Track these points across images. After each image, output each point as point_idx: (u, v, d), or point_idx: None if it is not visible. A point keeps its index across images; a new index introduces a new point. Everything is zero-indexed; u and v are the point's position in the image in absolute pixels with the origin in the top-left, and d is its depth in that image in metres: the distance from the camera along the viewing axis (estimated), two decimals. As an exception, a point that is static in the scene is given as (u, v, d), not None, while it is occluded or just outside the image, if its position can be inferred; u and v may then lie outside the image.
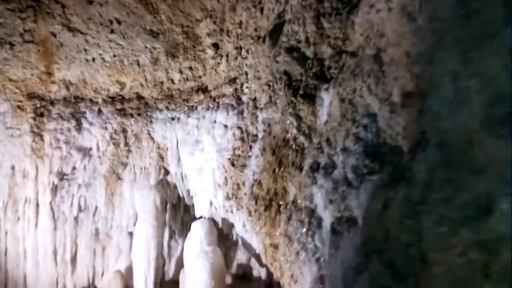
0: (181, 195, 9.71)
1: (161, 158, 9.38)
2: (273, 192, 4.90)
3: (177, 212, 10.27)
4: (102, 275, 9.87)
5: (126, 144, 9.23)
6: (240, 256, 11.26)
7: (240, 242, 10.53)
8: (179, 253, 10.73)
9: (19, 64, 8.37)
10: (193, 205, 9.94)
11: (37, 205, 8.84)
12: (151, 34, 8.62)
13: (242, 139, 5.87)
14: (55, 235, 9.09)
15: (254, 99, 5.70)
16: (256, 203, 5.09)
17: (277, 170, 4.86)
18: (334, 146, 3.99)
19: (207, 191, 7.52)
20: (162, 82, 9.02)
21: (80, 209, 9.36)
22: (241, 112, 6.13)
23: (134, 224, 9.78)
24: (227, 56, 7.90)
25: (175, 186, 9.68)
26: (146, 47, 8.70)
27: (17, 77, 8.41)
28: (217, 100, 7.52)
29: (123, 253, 9.94)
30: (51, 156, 8.67)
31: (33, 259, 8.90)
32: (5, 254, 8.78)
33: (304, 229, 4.10)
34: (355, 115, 3.66)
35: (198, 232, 8.28)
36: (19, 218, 8.78)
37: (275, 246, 4.74)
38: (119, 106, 9.07)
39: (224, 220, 8.70)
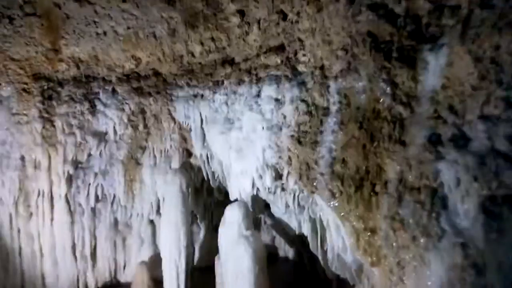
0: (205, 178, 9.05)
1: (184, 139, 8.67)
2: (364, 170, 4.37)
3: (199, 196, 9.64)
4: (124, 267, 9.20)
5: (145, 126, 8.46)
6: (264, 237, 10.81)
7: (267, 223, 10.07)
8: (201, 238, 10.18)
9: (21, 41, 7.39)
10: (218, 188, 9.35)
11: (51, 198, 7.98)
12: (167, 2, 7.74)
13: (309, 113, 5.28)
14: (73, 229, 8.32)
15: (322, 67, 5.08)
16: (342, 184, 4.55)
17: (367, 145, 4.32)
18: (462, 114, 3.47)
19: (248, 173, 6.89)
20: (181, 56, 8.21)
21: (97, 199, 8.58)
22: (302, 83, 5.50)
23: (157, 212, 9.11)
24: (258, 23, 7.18)
25: (199, 169, 9.01)
26: (162, 17, 7.84)
27: (20, 55, 7.43)
28: (254, 72, 6.83)
29: (145, 243, 9.30)
30: (64, 144, 7.81)
31: (51, 257, 8.14)
32: (20, 254, 7.96)
33: (425, 211, 3.59)
34: (501, 76, 3.13)
35: (235, 216, 7.67)
36: (31, 214, 7.94)
37: (372, 230, 4.25)
38: (135, 84, 8.23)
39: (256, 202, 8.17)
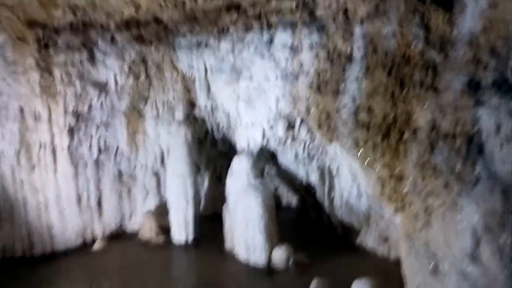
0: (209, 130, 8.94)
1: (188, 90, 8.44)
2: (392, 118, 4.30)
3: (203, 147, 9.57)
4: (130, 217, 9.24)
5: (147, 76, 8.16)
6: (267, 186, 10.87)
7: (270, 173, 10.13)
8: (206, 188, 10.24)
9: (13, -16, 6.84)
10: (222, 139, 9.27)
11: (54, 150, 7.79)
12: None
13: (330, 60, 5.09)
14: (77, 181, 8.21)
15: (345, 11, 4.85)
16: (367, 132, 4.49)
17: (396, 93, 4.22)
18: (505, 59, 3.37)
19: (258, 123, 6.79)
20: (183, 2, 7.75)
21: (100, 151, 8.44)
22: (322, 29, 5.25)
23: (161, 163, 9.04)
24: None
25: (203, 121, 8.87)
26: (162, -42, 7.32)
27: (12, 1, 6.90)
28: (265, 18, 6.52)
29: (150, 194, 9.30)
30: (64, 94, 7.52)
31: (56, 208, 8.08)
32: (24, 205, 7.86)
33: (460, 158, 3.59)
34: None
35: (243, 166, 7.69)
36: (34, 166, 7.76)
37: (399, 178, 4.26)
38: (135, 32, 7.84)
39: (262, 152, 8.15)
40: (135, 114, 8.44)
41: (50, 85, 7.39)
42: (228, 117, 8.14)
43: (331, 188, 7.98)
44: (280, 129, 6.41)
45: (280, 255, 7.35)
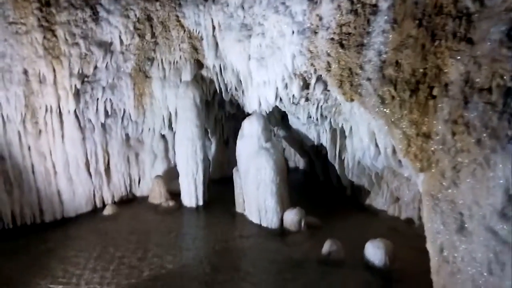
0: (217, 91, 8.70)
1: (195, 49, 8.14)
2: (421, 73, 4.10)
3: (210, 109, 9.38)
4: (139, 182, 9.17)
5: (153, 35, 7.84)
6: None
7: (276, 135, 9.98)
8: (213, 151, 10.12)
9: None
10: (230, 101, 9.05)
11: (60, 114, 7.59)
12: None
13: (354, 12, 4.80)
14: (85, 146, 8.06)
15: (370, -43, 4.52)
16: (395, 88, 4.29)
17: (427, 45, 4.00)
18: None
19: (271, 82, 6.56)
20: (189, -47, 7.36)
21: (107, 115, 8.23)
22: (344, -24, 4.91)
23: (169, 127, 8.87)
24: None
25: (211, 81, 8.62)
26: None
27: (8, -46, 6.50)
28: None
29: (158, 157, 9.18)
30: (68, 55, 7.22)
31: (65, 174, 7.96)
32: (33, 171, 7.74)
33: (496, 113, 3.42)
34: None
35: (254, 128, 7.54)
36: (40, 131, 7.57)
37: (426, 135, 4.11)
38: (139, -13, 7.44)
39: (269, 114, 7.96)
40: (141, 75, 8.19)
41: (53, 46, 7.08)
42: (238, 77, 7.88)
43: (342, 149, 7.85)
44: (295, 88, 6.17)
45: (292, 217, 7.32)
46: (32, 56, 6.98)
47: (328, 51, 5.08)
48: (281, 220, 7.50)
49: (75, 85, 7.45)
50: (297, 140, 9.36)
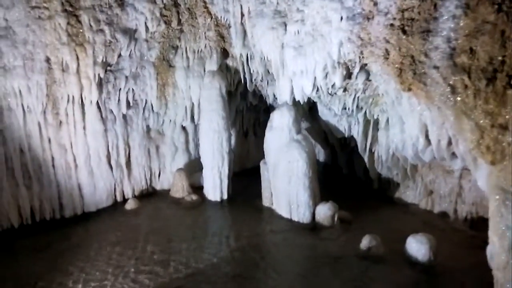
0: (242, 81, 8.41)
1: (222, 37, 7.82)
2: (500, 61, 3.88)
3: (232, 100, 9.08)
4: (159, 175, 8.87)
5: (179, 22, 7.49)
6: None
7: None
8: (233, 144, 9.85)
9: None
10: (253, 91, 8.78)
11: (82, 104, 7.23)
12: None
13: None
14: (107, 138, 7.72)
15: None
16: (469, 77, 4.07)
17: (507, 31, 3.77)
18: None
19: (309, 72, 6.30)
20: None
21: (128, 106, 7.88)
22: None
23: (191, 118, 8.57)
24: None
25: (235, 71, 8.32)
26: None
27: None
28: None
29: (179, 150, 8.87)
30: (93, 43, 6.86)
31: (86, 167, 7.62)
32: (53, 165, 7.38)
33: None
34: None
35: (285, 120, 7.29)
36: (61, 122, 7.21)
37: (503, 127, 3.91)
38: (166, -31, 7.08)
39: (298, 104, 7.72)
40: (164, 65, 7.86)
41: (77, 33, 6.72)
42: (265, 66, 7.61)
43: (373, 141, 7.66)
44: (338, 78, 5.92)
45: (325, 211, 7.12)
46: (55, 43, 6.60)
47: (387, 38, 4.83)
48: (313, 215, 7.28)
49: (99, 74, 7.09)
50: (321, 132, 9.14)
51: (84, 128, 7.37)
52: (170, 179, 8.81)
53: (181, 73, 7.93)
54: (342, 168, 9.93)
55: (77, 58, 6.82)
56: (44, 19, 6.44)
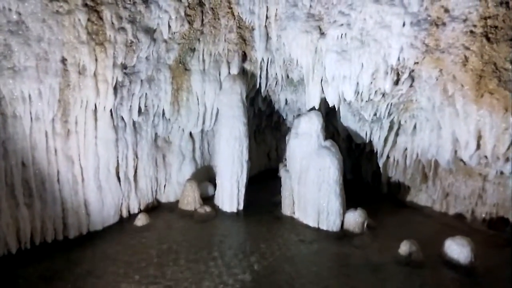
0: (257, 86, 8.11)
1: (243, 40, 7.44)
2: None
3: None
4: (165, 186, 8.22)
5: (202, 22, 7.00)
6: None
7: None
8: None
9: None
10: (264, 97, 8.52)
11: (95, 111, 6.45)
12: None
13: (505, 5, 4.61)
14: (118, 147, 6.97)
15: None
16: None
17: None
18: None
19: (353, 77, 6.21)
20: None
21: (140, 112, 7.19)
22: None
23: (203, 125, 8.06)
24: None
25: (252, 75, 7.98)
26: None
27: None
28: None
29: (186, 159, 8.30)
30: (114, 42, 6.13)
31: (95, 181, 6.79)
32: (58, 180, 6.46)
33: None
34: None
35: (314, 126, 7.14)
36: (72, 131, 6.35)
37: None
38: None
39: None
40: (180, 68, 7.29)
41: (98, 31, 5.95)
42: (287, 71, 7.39)
43: (393, 146, 7.80)
44: (388, 83, 5.89)
45: (355, 218, 7.10)
46: (74, 41, 5.79)
47: (466, 44, 4.86)
48: (342, 222, 7.21)
49: (117, 77, 6.36)
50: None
51: (95, 137, 6.55)
52: (177, 191, 8.21)
53: (197, 77, 7.41)
54: (345, 174, 9.97)
55: (96, 59, 6.03)
56: (63, 13, 5.60)
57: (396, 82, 6.07)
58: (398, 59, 5.61)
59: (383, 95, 6.55)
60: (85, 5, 5.73)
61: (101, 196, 6.93)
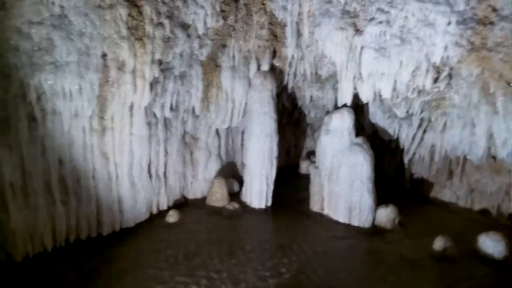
0: (285, 82, 8.11)
1: (275, 36, 7.42)
2: None
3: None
4: (191, 183, 8.19)
5: (235, 18, 6.97)
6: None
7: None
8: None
9: None
10: (288, 94, 8.53)
11: (131, 107, 6.39)
12: None
13: None
14: (150, 144, 6.93)
15: None
16: None
17: None
18: None
19: (389, 74, 6.24)
20: None
21: (171, 108, 7.14)
22: None
23: (230, 122, 8.04)
24: None
25: (280, 72, 7.98)
26: None
27: None
28: None
29: (212, 156, 8.27)
30: (152, 38, 6.07)
31: (128, 178, 6.74)
32: (93, 177, 6.40)
33: None
34: None
35: (346, 122, 7.18)
36: (108, 128, 6.29)
37: None
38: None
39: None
40: (211, 64, 7.25)
41: (137, 26, 5.89)
42: (316, 67, 7.40)
43: (419, 142, 7.88)
44: (429, 81, 5.97)
45: (387, 214, 7.17)
46: (114, 36, 5.73)
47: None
48: (374, 218, 7.26)
49: (154, 74, 6.30)
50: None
51: (130, 134, 6.50)
52: (203, 187, 8.20)
53: (227, 73, 7.39)
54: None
55: (135, 54, 5.97)
56: (105, 8, 5.54)
57: (435, 80, 6.10)
58: (442, 57, 5.64)
59: (419, 92, 6.60)
60: (127, -1, 5.65)
61: (134, 193, 6.89)
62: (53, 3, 5.23)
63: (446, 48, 5.61)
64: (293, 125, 10.20)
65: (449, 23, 5.50)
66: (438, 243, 6.50)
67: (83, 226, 6.42)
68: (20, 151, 5.54)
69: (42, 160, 5.81)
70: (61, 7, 5.28)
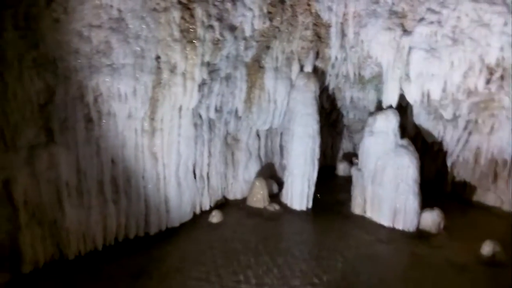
0: (326, 83, 8.10)
1: (319, 37, 7.41)
2: None
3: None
4: (232, 184, 8.24)
5: (281, 19, 6.99)
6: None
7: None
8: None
9: None
10: (328, 96, 8.50)
11: (180, 109, 6.48)
12: None
13: None
14: (196, 145, 7.01)
15: None
16: None
17: None
18: None
19: (439, 75, 6.17)
20: None
21: (216, 109, 7.21)
22: None
23: (271, 123, 8.07)
24: None
25: (322, 73, 7.96)
26: None
27: None
28: None
29: (252, 157, 8.31)
30: (203, 40, 6.14)
31: (175, 178, 6.83)
32: (143, 177, 6.51)
33: None
34: None
35: (391, 124, 7.13)
36: (155, 129, 6.39)
37: None
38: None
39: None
40: (255, 65, 7.29)
41: (188, 28, 5.96)
42: (359, 68, 7.37)
43: (464, 145, 7.76)
44: (481, 82, 5.89)
45: (433, 218, 7.09)
46: (168, 39, 5.82)
47: None
48: (419, 222, 7.18)
49: (203, 76, 6.38)
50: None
51: (178, 135, 6.59)
52: (243, 188, 8.26)
53: (270, 74, 7.43)
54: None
55: (186, 57, 6.05)
56: (160, 11, 5.63)
57: (487, 81, 6.02)
58: (497, 58, 5.56)
59: (468, 93, 6.52)
60: (179, 2, 5.74)
61: (180, 193, 6.98)
62: (111, 6, 5.34)
63: (502, 48, 5.53)
64: (330, 126, 10.17)
65: (505, 24, 5.41)
66: (487, 248, 6.41)
67: (132, 226, 6.53)
68: (76, 151, 5.68)
69: (97, 160, 5.94)
70: (119, 10, 5.40)
